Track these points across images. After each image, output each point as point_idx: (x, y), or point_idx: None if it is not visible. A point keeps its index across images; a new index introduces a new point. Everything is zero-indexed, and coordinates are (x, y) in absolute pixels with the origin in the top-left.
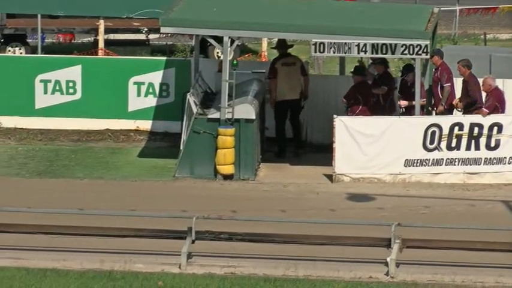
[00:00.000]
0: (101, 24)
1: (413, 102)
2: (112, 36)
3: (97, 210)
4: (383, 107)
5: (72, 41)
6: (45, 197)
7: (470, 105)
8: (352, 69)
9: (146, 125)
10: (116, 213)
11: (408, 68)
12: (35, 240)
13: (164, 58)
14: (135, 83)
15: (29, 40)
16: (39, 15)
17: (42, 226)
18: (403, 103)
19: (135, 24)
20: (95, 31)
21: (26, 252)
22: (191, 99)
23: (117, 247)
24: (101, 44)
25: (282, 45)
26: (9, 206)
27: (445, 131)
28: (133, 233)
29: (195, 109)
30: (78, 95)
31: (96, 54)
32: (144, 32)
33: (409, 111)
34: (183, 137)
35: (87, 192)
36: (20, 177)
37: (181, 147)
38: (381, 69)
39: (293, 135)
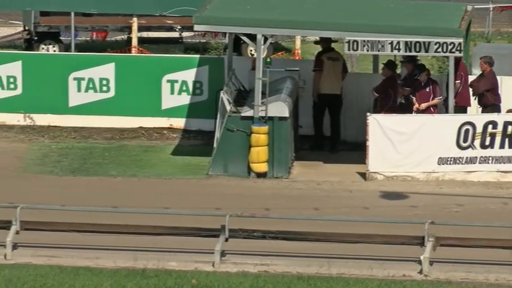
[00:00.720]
0: (135, 22)
1: (423, 104)
2: (145, 34)
3: (130, 208)
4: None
5: (106, 38)
6: (79, 195)
7: (479, 97)
8: (385, 62)
9: (180, 123)
10: (149, 211)
11: (420, 68)
12: (69, 238)
13: (198, 56)
14: (168, 81)
15: (62, 38)
16: (72, 13)
17: (75, 224)
18: (424, 105)
19: (168, 22)
20: (129, 29)
21: (59, 250)
22: (224, 97)
23: (150, 245)
24: (134, 42)
25: (326, 40)
26: (43, 204)
27: (479, 129)
28: (167, 231)
29: (228, 107)
30: (111, 93)
31: (130, 52)
32: (177, 29)
33: (423, 111)
34: (217, 135)
35: (120, 190)
36: (54, 175)
37: (214, 145)
38: (410, 67)
39: (331, 133)
